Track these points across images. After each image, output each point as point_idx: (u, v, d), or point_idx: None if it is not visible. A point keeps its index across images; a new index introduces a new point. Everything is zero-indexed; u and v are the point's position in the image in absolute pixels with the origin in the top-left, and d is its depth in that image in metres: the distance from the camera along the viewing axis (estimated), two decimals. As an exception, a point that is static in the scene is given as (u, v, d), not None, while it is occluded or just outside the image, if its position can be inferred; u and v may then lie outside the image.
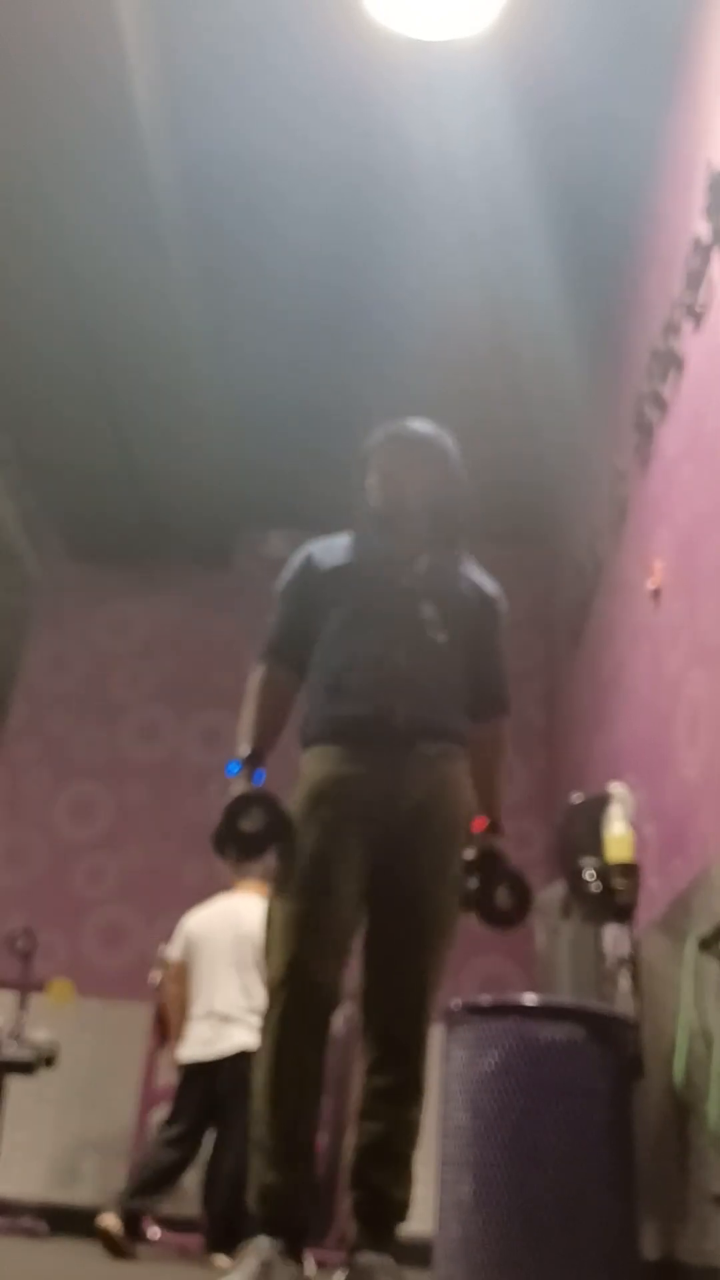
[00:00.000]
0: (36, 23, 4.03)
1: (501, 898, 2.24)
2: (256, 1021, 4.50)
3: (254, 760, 2.27)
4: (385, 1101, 2.12)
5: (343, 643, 2.28)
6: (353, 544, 2.47)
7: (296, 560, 2.50)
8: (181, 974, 4.64)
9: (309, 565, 2.46)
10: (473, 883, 2.26)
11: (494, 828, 2.33)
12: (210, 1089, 4.29)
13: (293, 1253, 1.94)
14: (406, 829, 2.15)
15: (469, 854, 2.28)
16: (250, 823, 2.12)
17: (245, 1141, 4.40)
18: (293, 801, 2.20)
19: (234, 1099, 4.05)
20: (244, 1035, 4.19)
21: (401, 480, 2.46)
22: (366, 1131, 2.11)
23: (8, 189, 4.77)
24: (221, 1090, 4.23)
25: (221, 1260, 4.02)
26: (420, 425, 2.53)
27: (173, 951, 4.77)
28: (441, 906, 2.20)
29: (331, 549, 2.47)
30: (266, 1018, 2.08)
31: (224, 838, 2.12)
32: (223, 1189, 4.18)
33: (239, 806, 2.13)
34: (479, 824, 2.32)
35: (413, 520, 2.44)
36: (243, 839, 2.13)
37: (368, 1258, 2.01)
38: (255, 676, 2.40)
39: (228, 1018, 4.37)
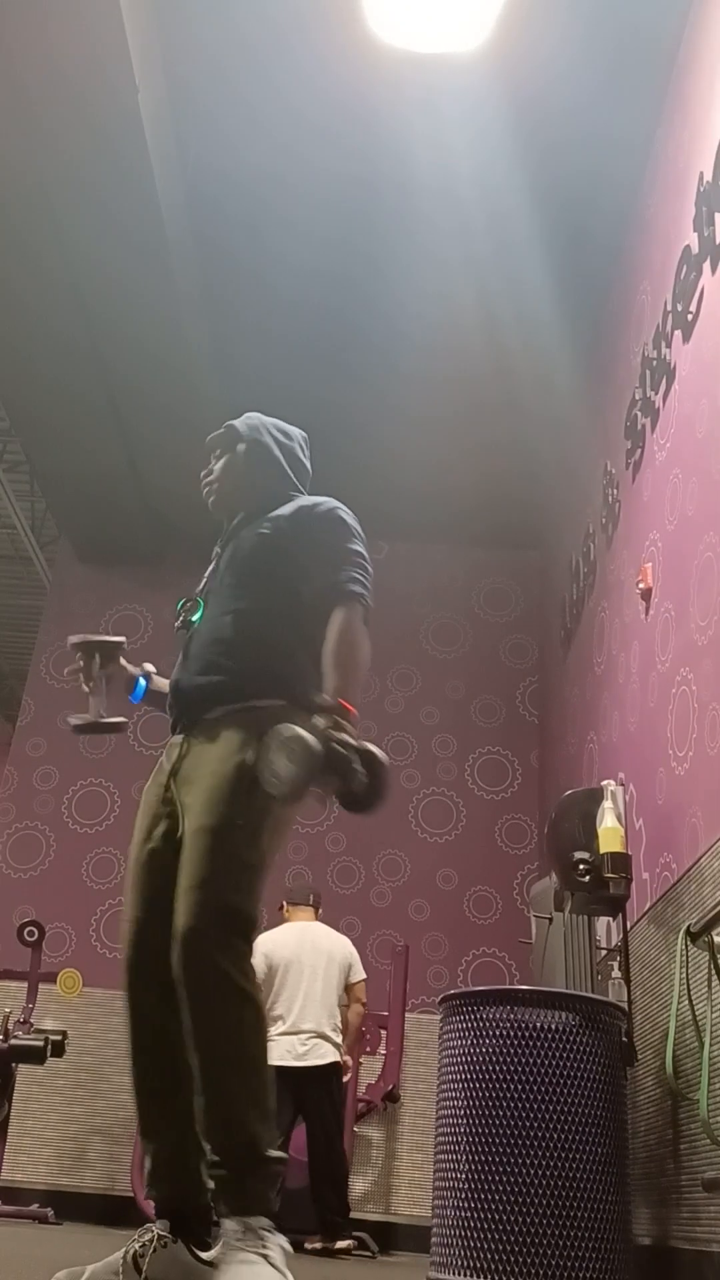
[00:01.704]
0: (46, 46, 4.10)
1: (281, 764, 1.92)
2: (338, 1038, 4.85)
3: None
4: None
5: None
6: None
7: None
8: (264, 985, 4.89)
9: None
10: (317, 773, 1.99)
11: (333, 711, 2.02)
12: (296, 1095, 4.70)
13: (183, 1231, 1.83)
14: (180, 783, 2.16)
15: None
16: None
17: (330, 1140, 4.75)
18: None
19: (321, 1104, 4.76)
20: (333, 1051, 4.85)
21: (209, 478, 2.53)
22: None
23: (17, 209, 4.85)
24: (311, 1096, 4.74)
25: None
26: (232, 423, 2.57)
27: (258, 969, 4.88)
28: (205, 823, 2.03)
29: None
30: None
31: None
32: (324, 1180, 4.70)
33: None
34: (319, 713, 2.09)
35: (228, 505, 2.51)
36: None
37: (231, 1224, 1.79)
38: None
39: (320, 1034, 4.85)
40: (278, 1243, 1.77)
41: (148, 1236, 1.80)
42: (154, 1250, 1.77)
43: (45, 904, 6.52)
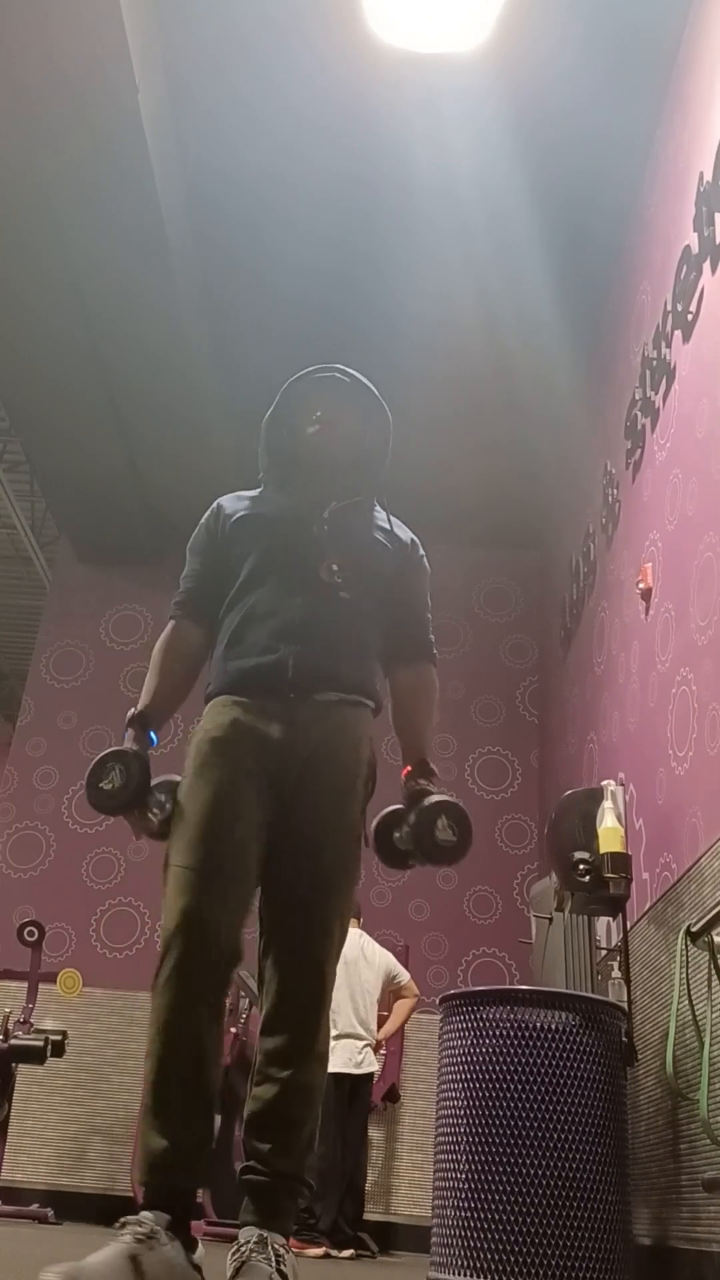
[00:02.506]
0: (46, 46, 4.10)
1: (441, 830, 2.04)
2: (371, 1042, 4.95)
3: (141, 720, 2.19)
4: (276, 1063, 1.92)
5: (243, 596, 2.17)
6: (263, 494, 2.35)
7: (207, 513, 2.37)
8: None
9: (217, 517, 2.32)
10: (404, 829, 2.12)
11: (421, 769, 2.17)
12: (345, 1099, 4.87)
13: (179, 1229, 1.76)
14: (300, 777, 2.02)
15: (398, 807, 2.18)
16: (109, 782, 2.08)
17: (359, 1148, 4.89)
18: (189, 753, 2.11)
19: (360, 1111, 4.94)
20: (374, 1060, 5.05)
21: (333, 423, 2.30)
22: (256, 1097, 1.92)
23: (17, 209, 4.86)
24: (357, 1101, 4.91)
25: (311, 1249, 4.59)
26: (349, 370, 2.40)
27: None
28: (339, 855, 2.03)
29: (241, 500, 2.34)
30: (158, 974, 1.88)
31: (88, 795, 2.07)
32: (346, 1188, 4.81)
33: (100, 765, 2.10)
34: (405, 771, 2.20)
35: (337, 467, 2.30)
36: (101, 796, 2.08)
37: (250, 1233, 1.82)
38: (163, 636, 2.30)
39: (369, 1044, 5.04)
40: (291, 1262, 1.79)
41: (143, 1229, 1.70)
42: (152, 1249, 1.67)
43: (45, 904, 6.52)
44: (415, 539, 2.37)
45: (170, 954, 1.86)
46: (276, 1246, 1.78)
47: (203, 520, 2.35)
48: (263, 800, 2.00)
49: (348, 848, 2.05)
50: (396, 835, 2.16)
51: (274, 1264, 1.73)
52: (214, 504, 2.37)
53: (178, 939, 1.86)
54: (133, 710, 2.20)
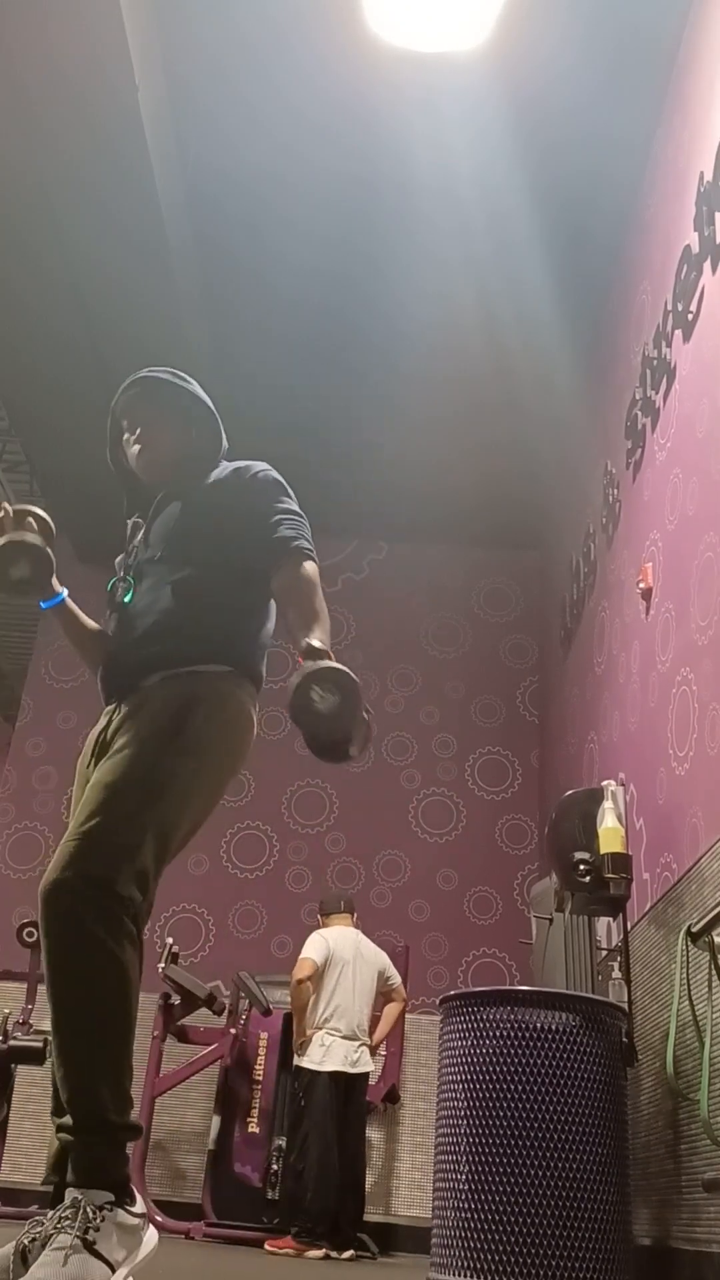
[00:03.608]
0: (46, 46, 4.10)
1: (320, 699, 1.80)
2: (368, 1042, 5.01)
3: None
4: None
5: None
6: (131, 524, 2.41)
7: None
8: (317, 979, 5.07)
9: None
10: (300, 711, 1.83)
11: (307, 652, 1.94)
12: (341, 1098, 4.88)
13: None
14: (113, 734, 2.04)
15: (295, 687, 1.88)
16: (19, 570, 2.07)
17: (358, 1147, 4.86)
18: None
19: (359, 1110, 4.97)
20: (369, 1059, 5.07)
21: (152, 436, 2.31)
22: None
23: (17, 209, 4.85)
24: (352, 1102, 4.92)
25: (313, 1252, 4.60)
26: (149, 372, 2.38)
27: (316, 956, 5.02)
28: (107, 778, 1.91)
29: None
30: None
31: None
32: (344, 1188, 4.80)
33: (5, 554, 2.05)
34: (299, 661, 1.95)
35: (167, 470, 2.31)
36: (17, 585, 2.09)
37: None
38: None
39: (364, 1043, 5.05)
40: (115, 1220, 1.64)
41: (39, 1229, 1.65)
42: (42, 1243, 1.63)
43: (45, 904, 6.52)
44: (249, 465, 2.32)
45: None
46: (94, 1208, 1.63)
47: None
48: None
49: (117, 784, 1.91)
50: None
51: (83, 1232, 1.61)
52: None
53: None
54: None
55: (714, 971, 2.80)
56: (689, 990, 2.97)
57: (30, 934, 5.45)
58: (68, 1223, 1.60)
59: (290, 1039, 5.25)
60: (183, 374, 2.40)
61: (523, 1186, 2.85)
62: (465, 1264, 2.82)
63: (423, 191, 5.11)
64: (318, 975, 5.06)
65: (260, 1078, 5.54)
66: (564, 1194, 2.85)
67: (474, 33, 4.38)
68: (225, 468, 2.35)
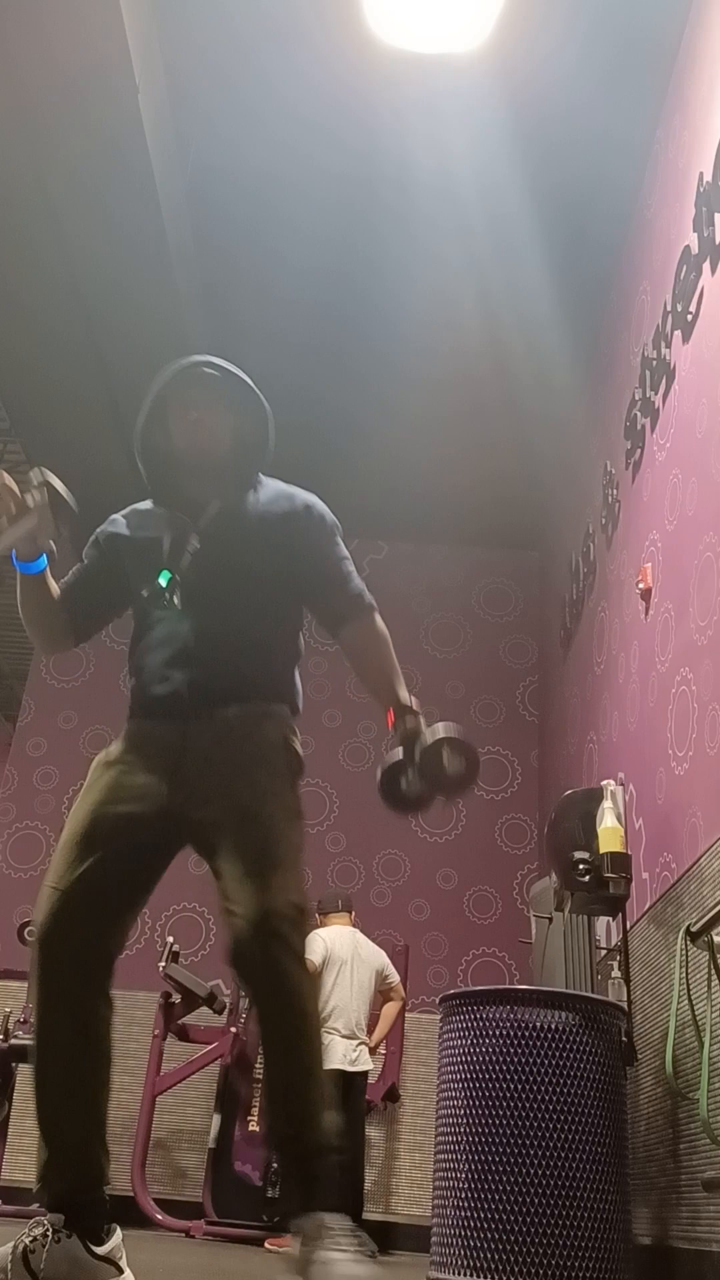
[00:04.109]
0: (46, 46, 4.10)
1: (450, 762, 2.00)
2: (367, 1041, 5.00)
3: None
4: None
5: (140, 625, 2.19)
6: (147, 509, 2.30)
7: (102, 527, 2.35)
8: (317, 980, 5.08)
9: (112, 532, 2.31)
10: (409, 772, 2.07)
11: (402, 710, 2.10)
12: (340, 1096, 4.76)
13: (74, 1224, 1.74)
14: (198, 779, 1.99)
15: (393, 750, 2.13)
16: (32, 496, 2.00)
17: (357, 1145, 4.90)
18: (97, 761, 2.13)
19: (358, 1108, 4.98)
20: (367, 1057, 5.07)
21: (204, 420, 2.20)
22: None
23: (17, 209, 4.86)
24: (351, 1100, 4.91)
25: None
26: (218, 361, 2.29)
27: (314, 956, 5.05)
28: (259, 822, 1.96)
29: (130, 516, 2.32)
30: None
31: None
32: (344, 1187, 4.76)
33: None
34: (389, 719, 2.12)
35: (213, 463, 2.21)
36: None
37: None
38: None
39: (362, 1041, 5.07)
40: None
41: (39, 1230, 1.71)
42: (46, 1245, 1.69)
43: (45, 904, 6.52)
44: (310, 500, 2.26)
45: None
46: (347, 1227, 1.71)
47: (97, 532, 2.35)
48: (148, 811, 2.00)
49: (271, 814, 1.98)
50: (404, 781, 2.12)
51: (357, 1246, 1.67)
52: (111, 519, 2.35)
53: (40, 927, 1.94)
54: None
55: (713, 971, 2.80)
56: (688, 989, 2.98)
57: (31, 933, 5.45)
58: (337, 1239, 1.65)
59: (291, 1038, 5.26)
60: (241, 371, 2.29)
61: (522, 1185, 2.86)
62: (465, 1263, 2.82)
63: (423, 192, 5.11)
64: (316, 976, 5.07)
65: (261, 1076, 5.55)
66: (564, 1193, 2.86)
67: (474, 33, 4.38)
68: (272, 487, 2.27)
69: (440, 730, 2.01)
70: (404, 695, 2.11)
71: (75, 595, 2.26)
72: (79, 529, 2.09)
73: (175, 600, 2.10)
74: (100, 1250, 1.74)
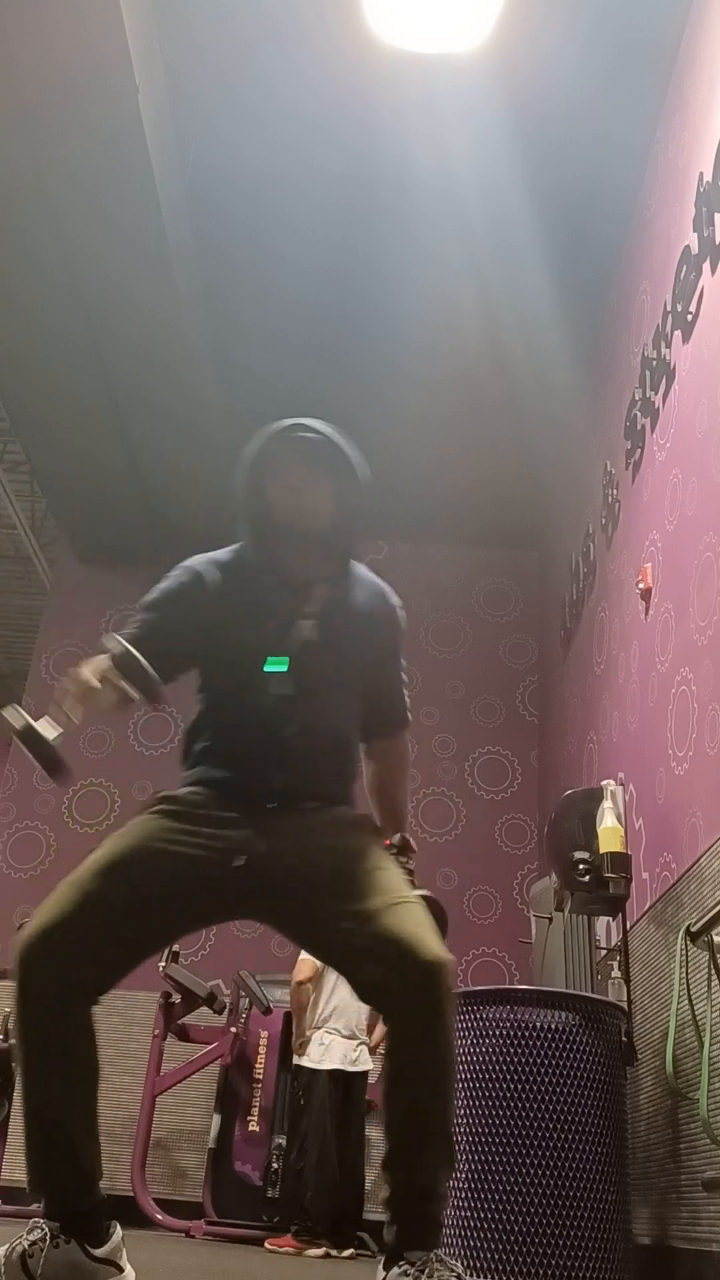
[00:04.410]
0: (46, 46, 4.11)
1: None
2: (367, 1041, 4.97)
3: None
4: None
5: (218, 684, 2.06)
6: (238, 564, 2.15)
7: (178, 571, 2.17)
8: (317, 980, 5.07)
9: (191, 579, 2.14)
10: None
11: (402, 848, 2.07)
12: (341, 1097, 4.88)
13: (71, 1230, 1.71)
14: (284, 843, 1.90)
15: None
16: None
17: (359, 1146, 4.84)
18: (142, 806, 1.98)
19: (360, 1109, 4.94)
20: (368, 1057, 5.03)
21: (305, 490, 2.11)
22: None
23: (17, 209, 4.86)
24: (353, 1100, 4.92)
25: (314, 1250, 4.55)
26: (320, 425, 2.19)
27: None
28: (343, 881, 1.90)
29: (217, 567, 2.15)
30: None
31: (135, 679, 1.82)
32: (344, 1187, 4.80)
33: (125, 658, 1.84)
34: (386, 844, 2.06)
35: (312, 536, 2.11)
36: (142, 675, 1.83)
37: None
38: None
39: (363, 1041, 5.04)
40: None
41: (37, 1234, 1.67)
42: (45, 1250, 1.65)
43: (45, 904, 6.52)
44: (397, 602, 2.22)
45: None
46: (446, 1260, 1.72)
47: (174, 575, 2.17)
48: (195, 894, 1.90)
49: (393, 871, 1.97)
50: None
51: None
52: (186, 565, 2.18)
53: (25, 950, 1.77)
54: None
55: (713, 971, 2.80)
56: (688, 989, 2.98)
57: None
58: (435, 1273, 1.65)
59: (290, 1038, 5.26)
60: (343, 437, 2.19)
61: (522, 1185, 2.86)
62: (465, 1263, 2.82)
63: (423, 192, 5.11)
64: (317, 976, 5.07)
65: (260, 1076, 5.55)
66: (564, 1193, 2.86)
67: (474, 34, 4.38)
68: (364, 576, 2.20)
69: (420, 892, 2.00)
70: (404, 825, 2.14)
71: (153, 652, 1.98)
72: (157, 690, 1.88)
73: (286, 688, 1.97)
74: (99, 1252, 1.72)
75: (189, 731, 2.06)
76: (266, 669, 1.97)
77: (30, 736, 1.88)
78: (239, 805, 1.92)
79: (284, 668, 1.98)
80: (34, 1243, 1.66)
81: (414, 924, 1.85)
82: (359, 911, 1.83)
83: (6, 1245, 1.67)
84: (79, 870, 1.86)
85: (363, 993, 1.88)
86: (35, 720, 1.88)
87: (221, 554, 2.20)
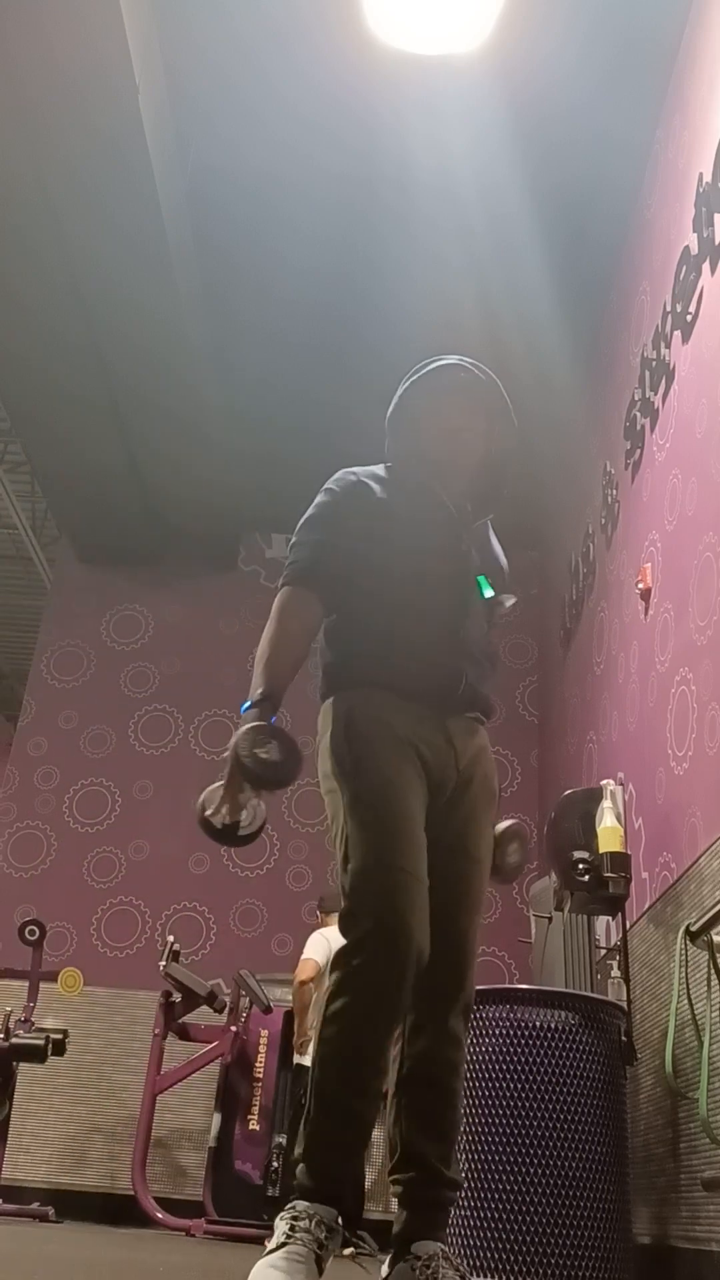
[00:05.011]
0: (46, 46, 4.11)
1: (513, 854, 2.17)
2: None
3: (269, 702, 1.93)
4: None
5: (399, 591, 2.07)
6: (397, 483, 2.19)
7: (344, 484, 2.17)
8: (320, 980, 5.03)
9: (361, 492, 2.15)
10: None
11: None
12: None
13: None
14: (459, 790, 2.01)
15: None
16: (269, 753, 1.83)
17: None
18: (338, 734, 1.99)
19: None
20: None
21: (463, 429, 2.19)
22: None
23: (17, 209, 4.86)
24: None
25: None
26: (479, 366, 2.26)
27: (318, 957, 5.02)
28: (483, 878, 2.07)
29: (379, 482, 2.18)
30: (345, 976, 1.77)
31: (246, 770, 1.84)
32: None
33: (257, 736, 1.84)
34: None
35: (465, 474, 2.21)
36: (265, 767, 1.84)
37: (427, 1248, 1.90)
38: (282, 600, 2.06)
39: None
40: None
41: (323, 1232, 1.76)
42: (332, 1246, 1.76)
43: (46, 903, 6.53)
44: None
45: (364, 955, 1.79)
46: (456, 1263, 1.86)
47: (336, 490, 2.17)
48: (426, 796, 1.98)
49: (486, 866, 2.09)
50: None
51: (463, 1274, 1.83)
52: (346, 476, 2.19)
53: (374, 940, 1.78)
54: (260, 690, 1.95)
55: (713, 970, 2.81)
56: (688, 989, 2.98)
57: (32, 932, 5.46)
58: (450, 1265, 1.88)
59: (291, 1037, 5.26)
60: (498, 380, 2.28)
61: (522, 1185, 2.87)
62: (465, 1263, 2.83)
63: (423, 192, 5.11)
64: (320, 976, 5.07)
65: (261, 1075, 5.56)
66: (564, 1193, 2.86)
67: (474, 34, 4.38)
68: (492, 534, 2.41)
69: (508, 823, 2.14)
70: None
71: (329, 573, 2.10)
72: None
73: (477, 594, 2.15)
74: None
75: (348, 640, 2.09)
76: (478, 586, 2.17)
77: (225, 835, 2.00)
78: (427, 714, 2.01)
79: (488, 588, 2.18)
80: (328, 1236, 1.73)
81: (473, 947, 1.97)
82: (466, 890, 1.99)
83: (296, 1244, 1.69)
84: (398, 831, 1.89)
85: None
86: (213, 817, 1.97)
87: (377, 469, 2.25)
